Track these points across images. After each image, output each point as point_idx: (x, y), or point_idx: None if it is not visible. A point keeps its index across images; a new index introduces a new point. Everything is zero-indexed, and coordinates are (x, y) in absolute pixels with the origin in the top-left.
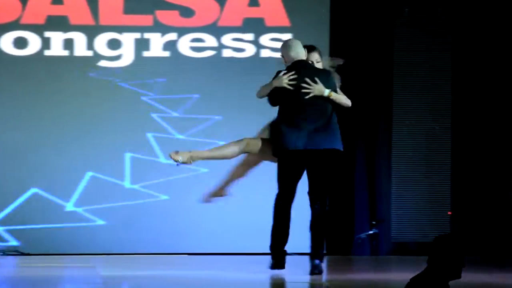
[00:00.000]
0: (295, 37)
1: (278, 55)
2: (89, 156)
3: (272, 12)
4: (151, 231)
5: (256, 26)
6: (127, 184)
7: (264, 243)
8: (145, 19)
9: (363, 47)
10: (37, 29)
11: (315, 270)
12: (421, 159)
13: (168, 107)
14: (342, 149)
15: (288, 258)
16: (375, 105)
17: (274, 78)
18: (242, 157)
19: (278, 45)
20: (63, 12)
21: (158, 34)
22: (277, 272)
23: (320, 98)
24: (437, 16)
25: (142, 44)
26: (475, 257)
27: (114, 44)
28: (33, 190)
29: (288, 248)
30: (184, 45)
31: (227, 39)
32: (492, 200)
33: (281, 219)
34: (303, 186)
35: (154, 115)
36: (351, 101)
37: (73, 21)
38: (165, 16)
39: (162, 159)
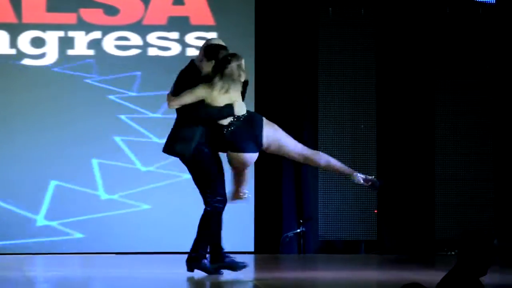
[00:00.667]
0: (220, 36)
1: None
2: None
3: (197, 10)
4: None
5: (181, 25)
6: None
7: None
8: (69, 17)
9: (288, 46)
10: None
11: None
12: (347, 158)
13: None
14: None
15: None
16: (301, 105)
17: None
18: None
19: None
20: None
21: (82, 33)
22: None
23: None
24: (360, 16)
25: (66, 43)
26: (400, 256)
27: (37, 42)
28: None
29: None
30: (109, 44)
31: (152, 37)
32: (417, 199)
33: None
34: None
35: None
36: (279, 101)
37: None
38: (89, 15)
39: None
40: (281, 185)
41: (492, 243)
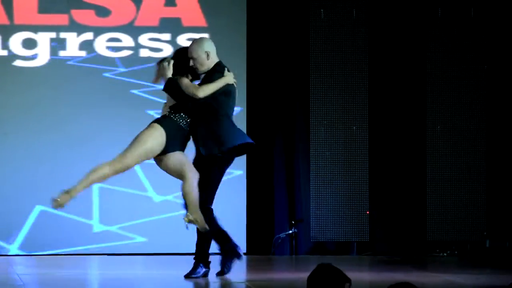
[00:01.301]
0: (212, 37)
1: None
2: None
3: (188, 12)
4: None
5: (173, 26)
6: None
7: None
8: (61, 19)
9: (280, 47)
10: None
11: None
12: (340, 160)
13: None
14: None
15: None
16: (293, 106)
17: (219, 76)
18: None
19: None
20: None
21: (74, 34)
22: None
23: None
24: (352, 17)
25: (58, 44)
26: (392, 257)
27: (29, 43)
28: None
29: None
30: (101, 45)
31: (144, 39)
32: (409, 200)
33: None
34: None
35: None
36: (270, 102)
37: None
38: (81, 16)
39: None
40: (273, 186)
41: None
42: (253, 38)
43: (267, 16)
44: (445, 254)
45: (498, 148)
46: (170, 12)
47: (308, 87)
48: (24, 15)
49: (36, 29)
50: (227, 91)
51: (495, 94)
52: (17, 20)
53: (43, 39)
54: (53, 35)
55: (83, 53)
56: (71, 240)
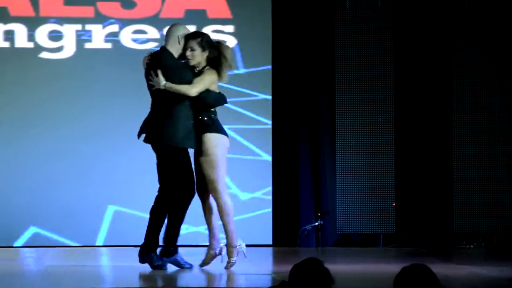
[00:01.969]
0: (237, 29)
1: None
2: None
3: (214, 4)
4: None
5: (198, 18)
6: None
7: None
8: (86, 11)
9: (305, 38)
10: None
11: None
12: (365, 151)
13: None
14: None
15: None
16: (318, 98)
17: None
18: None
19: (220, 36)
20: (3, 3)
21: (100, 26)
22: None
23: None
24: (378, 10)
25: (83, 36)
26: (418, 249)
27: (55, 35)
28: None
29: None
30: (126, 37)
31: None
32: (435, 191)
33: None
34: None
35: None
36: (295, 92)
37: (13, 12)
38: (107, 8)
39: None
40: (298, 178)
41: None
42: (278, 29)
43: (292, 7)
44: (471, 246)
45: None
46: (195, 4)
47: (334, 78)
48: (50, 7)
49: (62, 21)
50: None
51: None
52: (43, 12)
53: (69, 31)
54: (78, 27)
55: (108, 45)
56: None
